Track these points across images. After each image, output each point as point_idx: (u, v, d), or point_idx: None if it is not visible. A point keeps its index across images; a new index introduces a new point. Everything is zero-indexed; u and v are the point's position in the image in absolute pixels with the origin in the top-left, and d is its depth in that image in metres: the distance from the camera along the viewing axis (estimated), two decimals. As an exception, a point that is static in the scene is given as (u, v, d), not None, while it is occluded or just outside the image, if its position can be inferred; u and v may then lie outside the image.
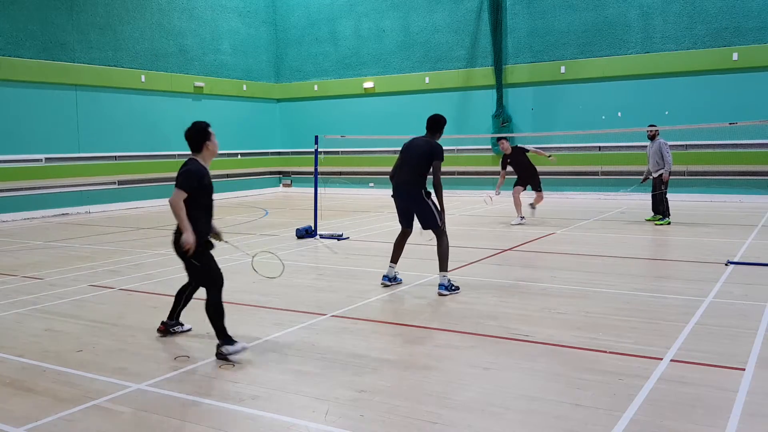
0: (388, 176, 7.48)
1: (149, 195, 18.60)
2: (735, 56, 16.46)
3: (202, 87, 20.16)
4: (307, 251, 10.10)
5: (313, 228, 11.49)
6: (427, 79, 20.57)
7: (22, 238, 12.31)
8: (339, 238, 11.20)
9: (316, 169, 11.97)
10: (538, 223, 12.95)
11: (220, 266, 5.23)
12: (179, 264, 8.95)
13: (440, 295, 6.93)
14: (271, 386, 4.42)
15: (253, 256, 6.30)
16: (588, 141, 18.39)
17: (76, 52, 16.85)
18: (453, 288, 7.02)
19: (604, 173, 18.09)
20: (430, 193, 7.11)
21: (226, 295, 6.95)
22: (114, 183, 17.84)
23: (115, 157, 17.90)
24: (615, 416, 3.81)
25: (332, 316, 6.19)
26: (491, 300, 6.73)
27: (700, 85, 16.91)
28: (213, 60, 20.82)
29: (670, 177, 12.42)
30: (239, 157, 21.36)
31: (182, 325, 5.70)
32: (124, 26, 18.03)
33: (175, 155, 19.29)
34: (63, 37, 16.55)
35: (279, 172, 23.39)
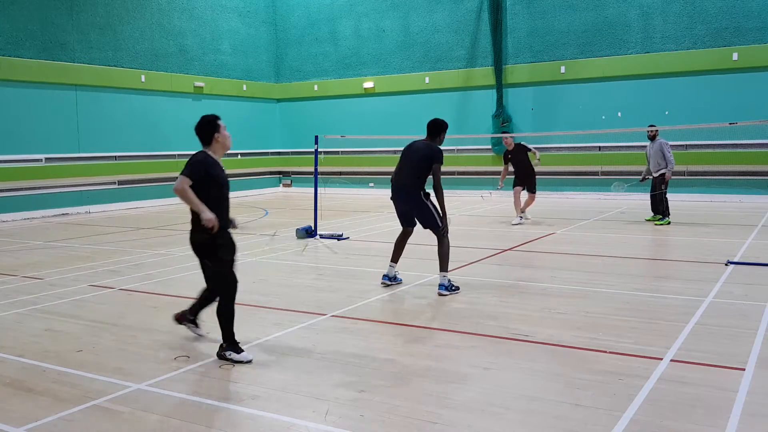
0: (389, 177, 7.49)
1: (149, 195, 18.60)
2: (735, 56, 16.46)
3: (202, 87, 20.17)
4: (307, 251, 10.09)
5: (313, 228, 11.49)
6: (427, 79, 20.57)
7: (22, 238, 12.31)
8: (339, 238, 11.20)
9: (316, 169, 11.97)
10: (538, 223, 12.95)
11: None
12: (179, 264, 9.00)
13: (440, 295, 6.93)
14: (271, 386, 4.42)
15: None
16: (588, 141, 18.39)
17: (76, 52, 16.85)
18: (453, 288, 7.02)
19: (604, 173, 18.08)
20: (429, 194, 7.11)
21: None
22: (114, 183, 17.84)
23: (115, 157, 17.90)
24: (615, 416, 3.81)
25: (332, 316, 6.19)
26: (491, 300, 6.73)
27: (700, 85, 16.91)
28: (213, 60, 20.82)
29: (671, 177, 12.45)
30: (239, 157, 21.34)
31: (197, 326, 5.52)
32: (124, 26, 18.03)
33: (175, 155, 19.30)
34: (63, 37, 16.55)
35: (279, 172, 23.39)
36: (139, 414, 3.98)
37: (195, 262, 9.01)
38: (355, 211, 15.91)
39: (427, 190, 7.12)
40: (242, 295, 7.04)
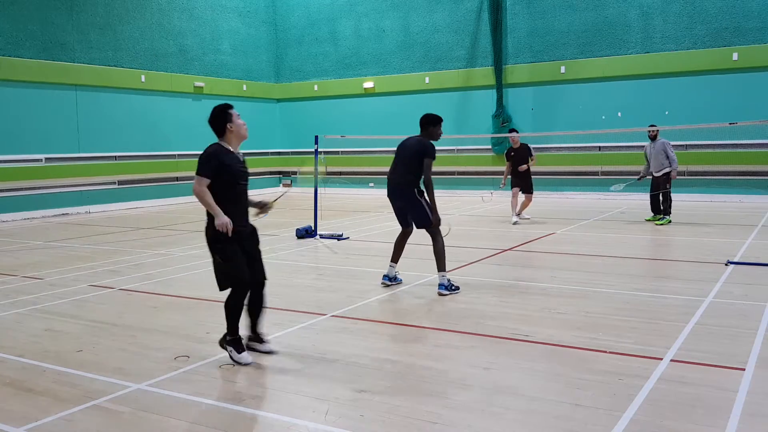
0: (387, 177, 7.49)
1: (149, 195, 18.60)
2: (735, 56, 16.46)
3: (202, 87, 20.17)
4: (307, 251, 10.09)
5: (313, 228, 11.49)
6: (427, 79, 20.57)
7: (22, 238, 12.31)
8: (339, 238, 11.20)
9: (316, 169, 11.97)
10: (538, 223, 12.95)
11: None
12: (179, 264, 9.00)
13: (440, 294, 6.93)
14: (271, 386, 4.42)
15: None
16: (588, 141, 18.39)
17: (76, 52, 16.85)
18: (453, 288, 7.02)
19: (604, 173, 18.08)
20: (423, 192, 7.11)
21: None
22: (114, 183, 17.84)
23: (115, 157, 17.90)
24: (615, 416, 3.80)
25: (332, 316, 6.19)
26: (491, 300, 6.73)
27: (700, 85, 16.91)
28: (213, 60, 20.82)
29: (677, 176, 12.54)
30: (239, 157, 21.32)
31: (263, 342, 5.08)
32: (124, 26, 18.03)
33: (175, 155, 19.31)
34: (63, 37, 16.55)
35: (279, 172, 23.39)
36: (139, 414, 3.98)
37: (195, 262, 9.07)
38: (355, 211, 15.91)
39: (421, 188, 7.11)
40: (242, 295, 7.06)
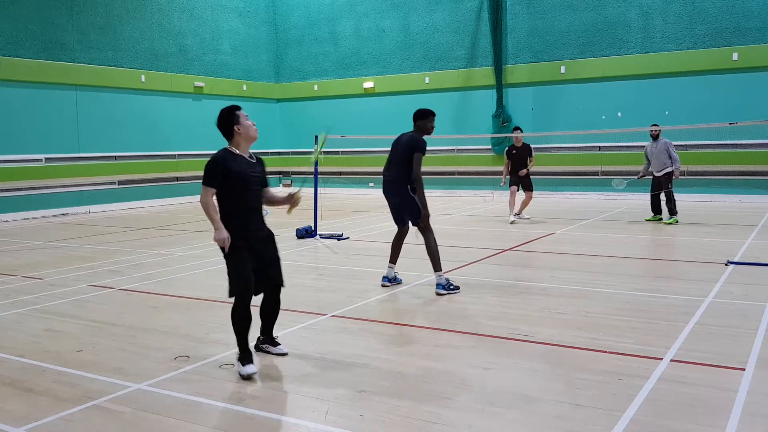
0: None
1: (149, 195, 18.60)
2: (735, 56, 16.46)
3: (202, 87, 20.17)
4: (307, 251, 10.09)
5: (313, 228, 11.49)
6: (427, 79, 20.56)
7: (22, 238, 12.31)
8: (339, 238, 11.20)
9: (316, 169, 11.96)
10: (538, 223, 12.95)
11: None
12: (179, 264, 9.01)
13: (438, 294, 6.93)
14: (271, 386, 4.42)
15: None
16: (588, 141, 18.38)
17: (76, 52, 16.85)
18: (452, 287, 7.01)
19: (604, 173, 18.08)
20: (416, 189, 7.11)
21: (226, 295, 6.96)
22: (114, 183, 17.84)
23: (115, 157, 17.90)
24: (615, 416, 3.80)
25: (332, 316, 6.19)
26: (491, 300, 6.73)
27: (700, 85, 16.91)
28: (213, 60, 20.82)
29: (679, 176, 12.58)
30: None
31: (272, 345, 5.05)
32: (124, 26, 18.03)
33: (175, 155, 19.32)
34: (63, 37, 16.55)
35: (279, 172, 23.39)
36: (139, 414, 3.98)
37: (195, 262, 9.07)
38: (355, 211, 15.91)
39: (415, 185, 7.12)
40: (242, 295, 7.05)
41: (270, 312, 4.98)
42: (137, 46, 18.41)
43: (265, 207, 4.97)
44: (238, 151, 4.74)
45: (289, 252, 9.91)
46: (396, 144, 7.29)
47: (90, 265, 9.08)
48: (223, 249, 4.62)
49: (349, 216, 14.90)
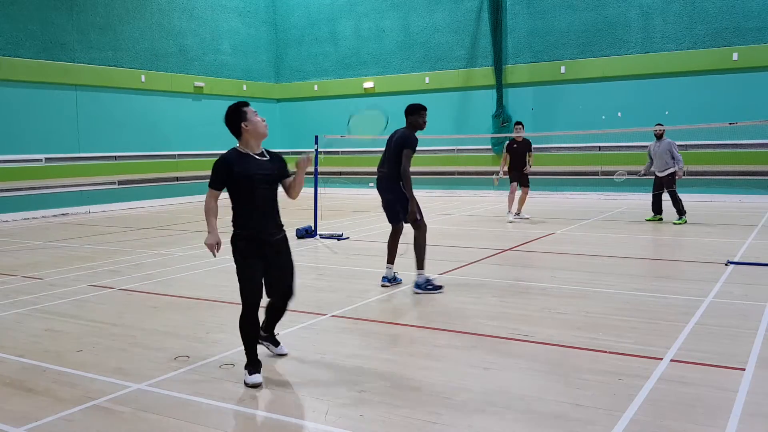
0: None
1: (149, 195, 18.59)
2: (735, 56, 16.46)
3: (202, 87, 20.16)
4: (307, 251, 10.09)
5: (313, 228, 11.49)
6: (427, 79, 20.56)
7: (22, 238, 12.31)
8: (339, 238, 11.20)
9: (316, 169, 11.97)
10: (538, 222, 12.95)
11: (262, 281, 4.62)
12: (179, 264, 9.00)
13: (415, 293, 6.99)
14: (271, 386, 4.42)
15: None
16: (588, 141, 18.38)
17: (76, 52, 16.85)
18: (431, 287, 7.04)
19: (604, 173, 18.07)
20: (404, 185, 7.11)
21: (226, 295, 6.98)
22: (114, 183, 17.84)
23: (115, 157, 17.90)
24: (615, 416, 3.80)
25: (332, 316, 6.19)
26: (491, 300, 6.73)
27: (700, 85, 16.90)
28: (213, 60, 20.82)
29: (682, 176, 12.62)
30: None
31: (274, 344, 4.99)
32: (124, 26, 18.03)
33: (175, 155, 19.31)
34: (63, 37, 16.55)
35: (279, 172, 23.35)
36: (139, 414, 3.98)
37: (195, 262, 9.07)
38: (355, 211, 15.91)
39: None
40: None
41: (275, 314, 4.88)
42: (137, 46, 18.41)
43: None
44: (246, 150, 4.56)
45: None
46: (389, 140, 7.31)
47: (90, 265, 9.08)
48: (233, 254, 4.48)
49: (349, 216, 14.90)
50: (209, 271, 8.45)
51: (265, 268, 4.54)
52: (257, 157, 4.58)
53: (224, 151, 4.62)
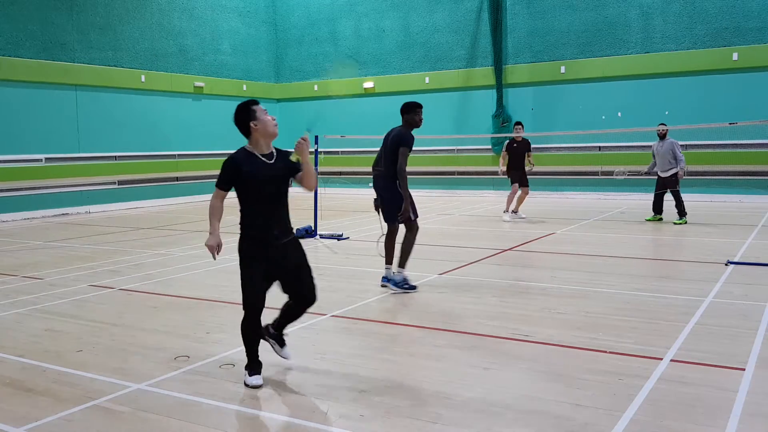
0: None
1: (149, 195, 18.59)
2: (735, 56, 16.45)
3: (202, 87, 20.15)
4: (307, 251, 10.06)
5: (313, 228, 11.49)
6: (427, 79, 20.56)
7: (22, 238, 12.31)
8: (339, 238, 11.20)
9: (316, 169, 11.94)
10: (538, 222, 12.95)
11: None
12: (179, 264, 9.01)
13: (382, 286, 7.14)
14: (271, 386, 4.42)
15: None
16: (588, 141, 18.37)
17: (76, 52, 16.84)
18: (405, 286, 7.10)
19: (604, 173, 18.07)
20: (400, 183, 7.12)
21: (226, 295, 6.98)
22: (114, 183, 17.83)
23: (115, 157, 17.89)
24: (615, 416, 3.80)
25: (332, 316, 6.19)
26: (491, 300, 6.73)
27: (700, 85, 16.90)
28: (213, 60, 20.81)
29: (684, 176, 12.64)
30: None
31: (280, 344, 4.78)
32: (124, 26, 18.03)
33: (175, 155, 19.30)
34: (63, 37, 16.55)
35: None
36: (139, 414, 3.98)
37: (195, 262, 9.07)
38: (355, 211, 15.92)
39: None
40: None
41: (289, 315, 4.70)
42: (137, 46, 18.40)
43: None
44: (255, 150, 4.41)
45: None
46: (385, 139, 7.31)
47: (90, 265, 9.08)
48: (240, 258, 4.42)
49: (349, 216, 14.91)
50: (209, 271, 8.45)
51: (271, 271, 4.44)
52: (266, 158, 4.42)
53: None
